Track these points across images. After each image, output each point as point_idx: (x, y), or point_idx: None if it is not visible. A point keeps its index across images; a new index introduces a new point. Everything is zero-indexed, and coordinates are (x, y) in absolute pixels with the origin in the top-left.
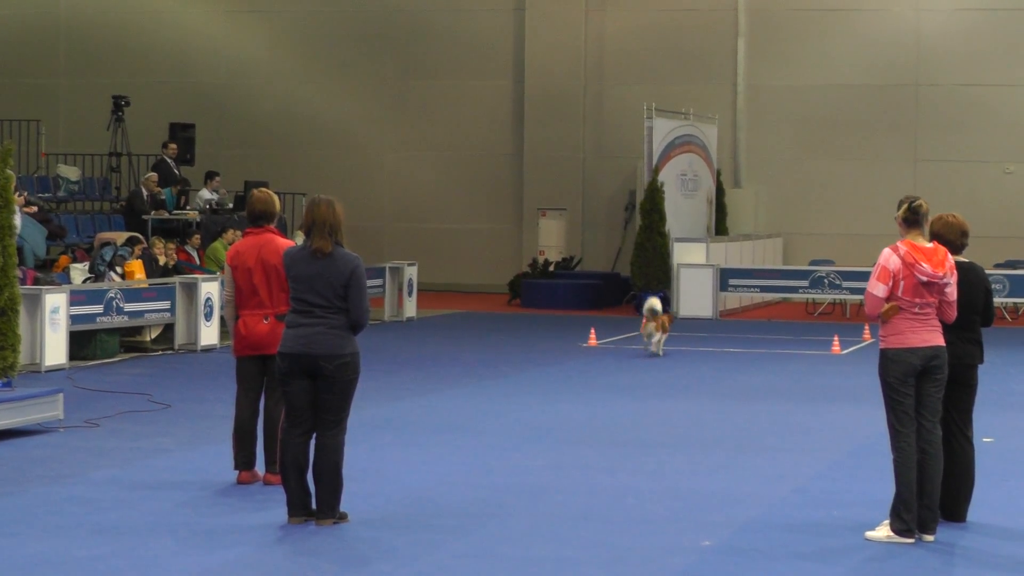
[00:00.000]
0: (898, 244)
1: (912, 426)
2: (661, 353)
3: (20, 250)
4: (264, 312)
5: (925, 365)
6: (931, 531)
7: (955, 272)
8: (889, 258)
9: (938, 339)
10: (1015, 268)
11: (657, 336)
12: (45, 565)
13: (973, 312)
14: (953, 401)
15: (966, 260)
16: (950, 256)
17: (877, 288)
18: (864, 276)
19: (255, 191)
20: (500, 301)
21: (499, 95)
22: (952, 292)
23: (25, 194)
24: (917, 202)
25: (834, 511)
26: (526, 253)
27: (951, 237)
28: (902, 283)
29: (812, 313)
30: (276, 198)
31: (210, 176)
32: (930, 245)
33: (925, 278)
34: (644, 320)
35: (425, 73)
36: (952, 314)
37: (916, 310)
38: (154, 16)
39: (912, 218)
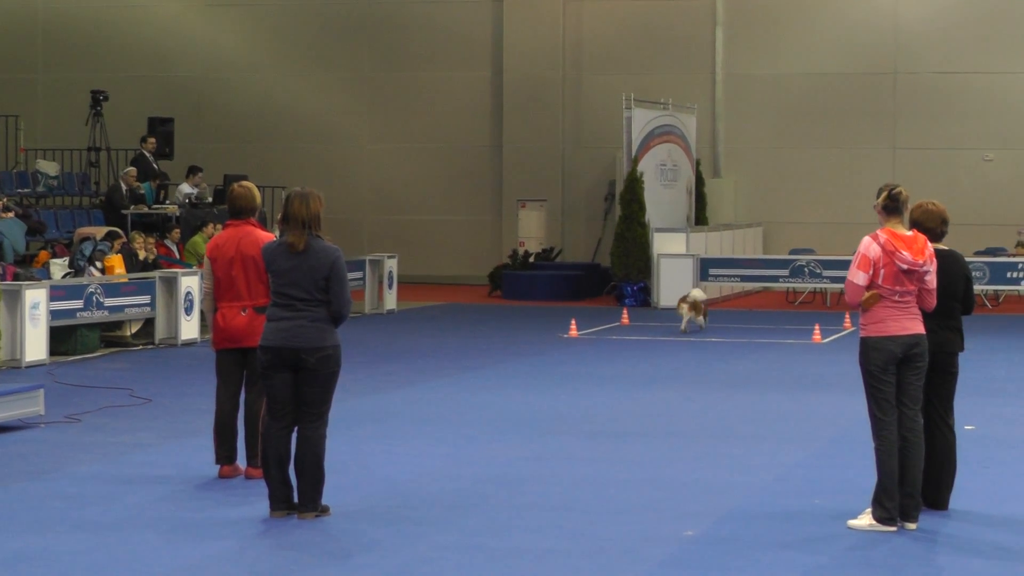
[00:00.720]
0: (878, 232)
1: (893, 414)
2: (695, 328)
3: None
4: (242, 304)
5: (906, 353)
6: (913, 519)
7: (935, 260)
8: (869, 246)
9: (919, 327)
10: (995, 255)
11: (687, 316)
12: (27, 560)
13: (953, 300)
14: (934, 389)
15: (946, 248)
16: (930, 244)
17: (857, 276)
18: (844, 265)
19: (235, 185)
20: (480, 293)
21: (477, 86)
22: (932, 280)
23: (5, 200)
24: (897, 189)
25: (816, 499)
26: (506, 244)
27: (931, 225)
28: (882, 271)
29: (792, 302)
30: (257, 191)
31: (192, 171)
32: (910, 233)
33: (905, 266)
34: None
35: (403, 65)
36: (932, 302)
37: (896, 298)
38: (131, 10)
39: (892, 205)
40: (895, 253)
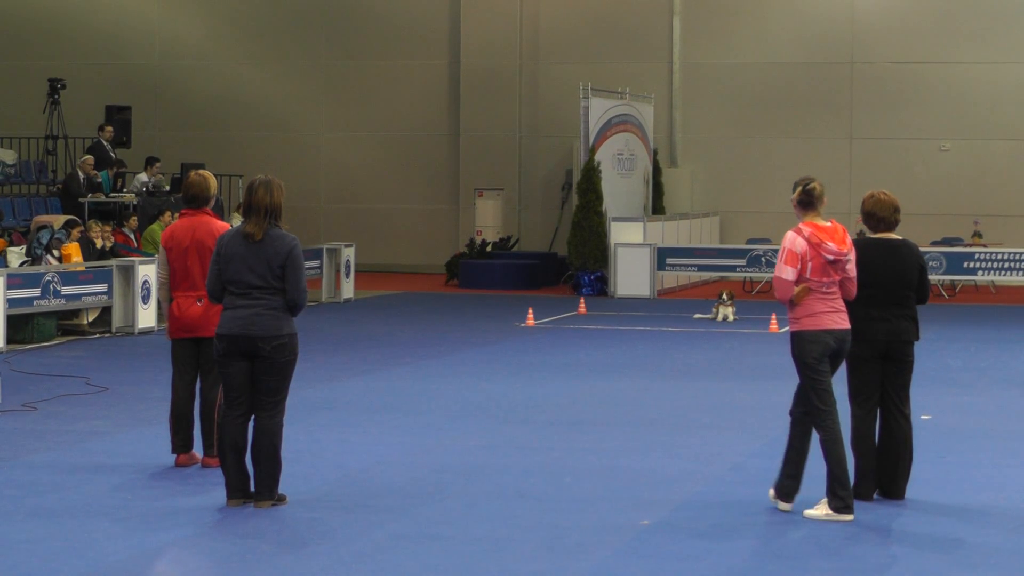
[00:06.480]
0: (801, 226)
1: (834, 403)
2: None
3: None
4: (197, 294)
5: (839, 347)
6: (789, 500)
7: (853, 248)
8: (795, 241)
9: (846, 322)
10: (951, 246)
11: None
12: None
13: (908, 289)
14: (890, 378)
15: (899, 237)
16: (847, 233)
17: (786, 272)
18: None
19: (191, 173)
20: (437, 281)
21: (435, 75)
22: (852, 268)
23: None
24: (811, 184)
25: (772, 489)
26: (463, 233)
27: (884, 214)
28: (810, 264)
29: (749, 292)
30: (213, 180)
31: (150, 162)
32: (828, 224)
33: (832, 256)
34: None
35: (360, 53)
36: (854, 290)
37: (824, 290)
38: None
39: (807, 200)
40: (821, 245)
